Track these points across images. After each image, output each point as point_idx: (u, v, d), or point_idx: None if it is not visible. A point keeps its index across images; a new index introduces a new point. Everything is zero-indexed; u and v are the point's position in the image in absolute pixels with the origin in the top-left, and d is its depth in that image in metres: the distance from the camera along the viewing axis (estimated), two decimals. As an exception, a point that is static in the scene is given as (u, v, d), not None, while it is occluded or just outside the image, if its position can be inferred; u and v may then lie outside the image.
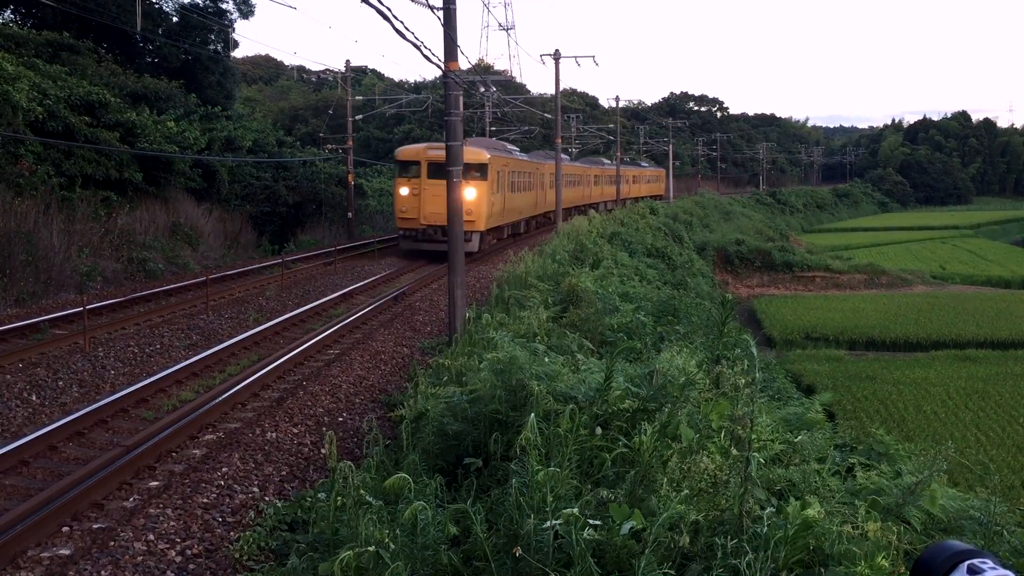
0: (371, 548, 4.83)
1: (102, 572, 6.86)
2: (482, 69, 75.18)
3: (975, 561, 1.58)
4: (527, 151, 48.86)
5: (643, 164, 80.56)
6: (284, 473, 9.51)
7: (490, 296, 16.83)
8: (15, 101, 20.87)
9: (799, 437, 6.54)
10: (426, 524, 5.09)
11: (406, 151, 30.06)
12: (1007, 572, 1.54)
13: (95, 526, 7.74)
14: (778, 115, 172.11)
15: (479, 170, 28.42)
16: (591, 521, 4.62)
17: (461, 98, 16.33)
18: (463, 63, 17.04)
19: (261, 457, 9.81)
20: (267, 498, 8.65)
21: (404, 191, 28.48)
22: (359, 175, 44.28)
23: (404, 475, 5.71)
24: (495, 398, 7.46)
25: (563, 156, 48.33)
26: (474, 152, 28.71)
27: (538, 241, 22.92)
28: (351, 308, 19.65)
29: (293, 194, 35.41)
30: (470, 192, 26.84)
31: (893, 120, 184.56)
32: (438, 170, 25.84)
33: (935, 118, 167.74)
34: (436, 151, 27.06)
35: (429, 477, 6.26)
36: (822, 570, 4.46)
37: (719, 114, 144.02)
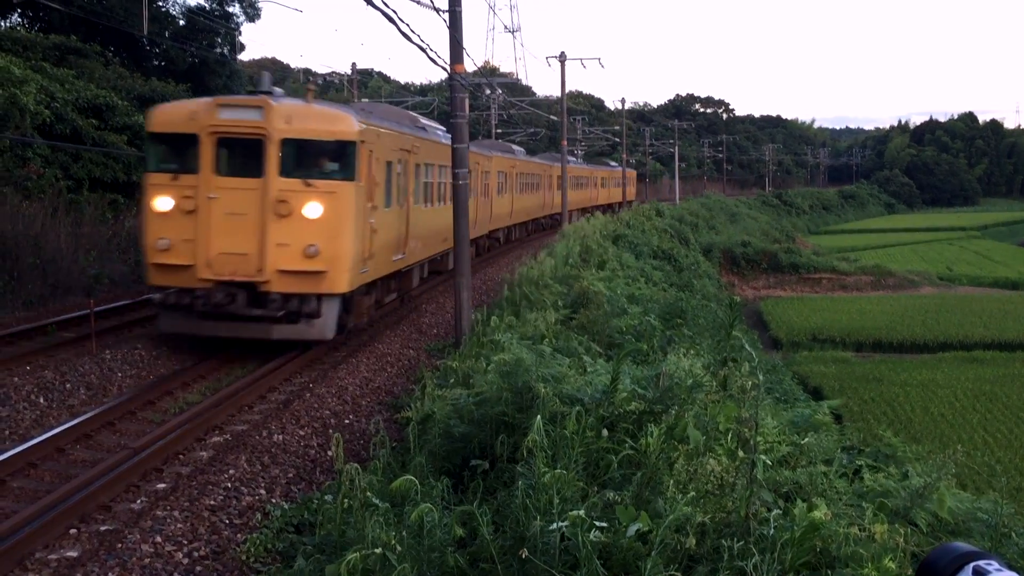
0: (378, 550, 4.84)
1: (109, 574, 6.88)
2: (488, 71, 75.34)
3: (981, 563, 1.58)
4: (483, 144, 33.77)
5: (590, 163, 64.54)
6: (291, 475, 9.53)
7: (500, 298, 16.81)
8: (23, 104, 20.94)
9: (806, 439, 6.54)
10: (432, 526, 5.10)
11: (166, 113, 14.15)
12: (1012, 574, 1.54)
13: (102, 528, 7.76)
14: (784, 117, 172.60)
15: (337, 157, 13.80)
16: (597, 523, 4.62)
17: (467, 100, 16.39)
18: (469, 65, 17.12)
19: (268, 459, 9.83)
20: (274, 500, 8.67)
21: (163, 203, 13.39)
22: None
23: (411, 477, 5.72)
24: (501, 400, 7.47)
25: (516, 147, 40.13)
26: (326, 115, 13.94)
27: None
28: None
29: (299, 196, 35.36)
30: (312, 208, 13.26)
31: (899, 121, 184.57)
32: (243, 155, 13.54)
33: (941, 119, 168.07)
34: (234, 110, 13.50)
35: (435, 479, 6.27)
36: (829, 572, 4.46)
37: (725, 116, 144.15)
